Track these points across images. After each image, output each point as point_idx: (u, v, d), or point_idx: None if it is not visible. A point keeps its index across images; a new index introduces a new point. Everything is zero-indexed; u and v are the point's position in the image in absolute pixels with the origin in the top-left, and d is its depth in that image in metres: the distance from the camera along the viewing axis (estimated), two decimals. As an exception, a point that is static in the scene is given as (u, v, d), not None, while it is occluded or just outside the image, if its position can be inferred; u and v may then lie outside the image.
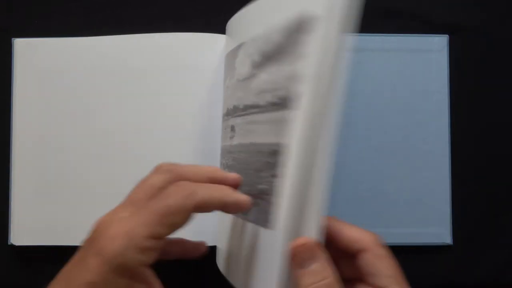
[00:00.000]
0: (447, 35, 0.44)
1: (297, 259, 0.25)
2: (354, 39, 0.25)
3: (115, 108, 0.42)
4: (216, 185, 0.26)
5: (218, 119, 0.42)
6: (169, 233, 0.24)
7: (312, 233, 0.25)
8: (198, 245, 0.34)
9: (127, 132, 0.42)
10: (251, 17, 0.35)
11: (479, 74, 0.45)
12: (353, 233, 0.28)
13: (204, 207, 0.25)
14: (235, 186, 0.28)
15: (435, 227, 0.43)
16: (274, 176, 0.27)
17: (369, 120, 0.43)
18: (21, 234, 0.42)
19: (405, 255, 0.43)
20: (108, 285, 0.22)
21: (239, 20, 0.38)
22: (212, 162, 0.42)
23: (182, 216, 0.24)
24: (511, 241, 0.44)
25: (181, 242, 0.33)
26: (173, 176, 0.26)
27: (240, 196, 0.26)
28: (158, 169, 0.27)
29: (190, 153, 0.42)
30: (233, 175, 0.28)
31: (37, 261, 0.43)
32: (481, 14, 0.45)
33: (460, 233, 0.43)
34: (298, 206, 0.25)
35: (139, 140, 0.42)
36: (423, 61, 0.43)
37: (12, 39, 0.43)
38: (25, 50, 0.43)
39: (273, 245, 0.26)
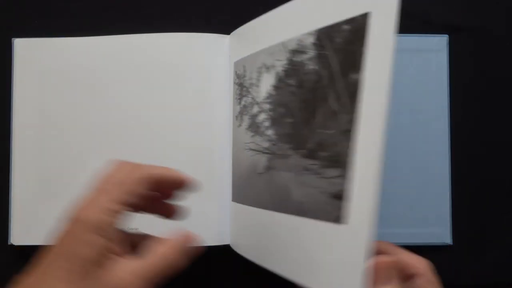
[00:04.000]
0: (447, 35, 0.44)
1: (377, 274, 0.27)
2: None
3: (114, 107, 0.42)
4: (165, 166, 0.31)
5: (219, 118, 0.42)
6: (130, 199, 0.28)
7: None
8: (173, 206, 0.34)
9: (127, 131, 0.42)
10: (277, 22, 0.36)
11: (479, 74, 0.45)
12: (410, 259, 0.30)
13: (153, 178, 0.29)
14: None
15: (435, 227, 0.43)
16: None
17: (369, 120, 0.43)
18: (21, 234, 0.42)
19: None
20: (84, 242, 0.26)
21: (257, 25, 0.38)
22: (212, 160, 0.42)
23: (136, 184, 0.28)
24: (511, 241, 0.44)
25: (154, 197, 0.33)
26: (130, 166, 0.30)
27: (185, 175, 0.31)
28: (115, 165, 0.31)
29: (190, 152, 0.42)
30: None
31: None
32: (481, 14, 0.45)
33: (460, 233, 0.43)
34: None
35: (139, 140, 0.42)
36: (423, 61, 0.43)
37: (12, 39, 0.43)
38: (25, 50, 0.43)
39: (347, 240, 0.28)
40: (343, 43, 0.30)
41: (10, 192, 0.42)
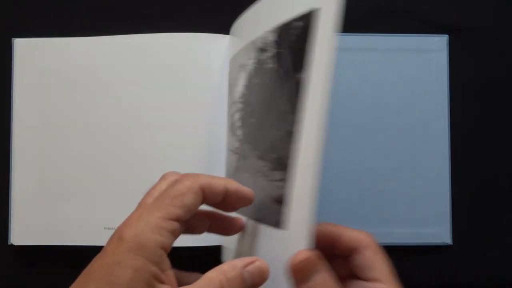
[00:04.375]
0: (447, 35, 0.44)
1: (299, 274, 0.24)
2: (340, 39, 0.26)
3: (114, 107, 0.42)
4: (220, 176, 0.27)
5: (219, 118, 0.42)
6: (183, 214, 0.24)
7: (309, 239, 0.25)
8: (232, 220, 0.31)
9: (127, 131, 0.42)
10: (252, 19, 0.36)
11: (479, 74, 0.45)
12: (353, 234, 0.30)
13: (209, 190, 0.26)
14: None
15: (435, 227, 0.43)
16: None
17: (369, 120, 0.43)
18: (21, 234, 0.42)
19: (405, 255, 0.43)
20: (123, 265, 0.22)
21: (241, 23, 0.38)
22: (214, 162, 0.42)
23: (191, 197, 0.25)
24: (511, 241, 0.44)
25: (212, 215, 0.30)
26: (180, 176, 0.27)
27: (243, 186, 0.28)
28: (164, 177, 0.28)
29: (190, 152, 0.42)
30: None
31: (37, 261, 0.43)
32: (481, 14, 0.45)
33: (460, 233, 0.43)
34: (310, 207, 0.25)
35: (139, 140, 0.42)
36: (423, 61, 0.43)
37: (12, 39, 0.43)
38: (25, 50, 0.43)
39: (286, 246, 0.26)
40: (295, 40, 0.28)
41: (10, 192, 0.42)
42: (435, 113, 0.43)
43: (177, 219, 0.24)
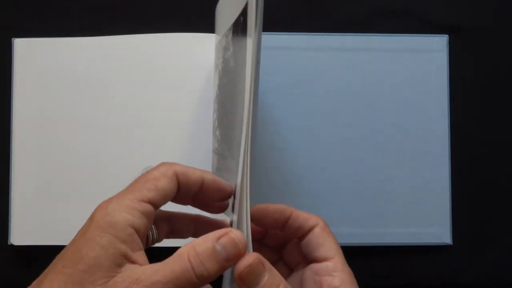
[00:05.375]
0: (447, 35, 0.44)
1: (247, 281, 0.24)
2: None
3: (114, 107, 0.42)
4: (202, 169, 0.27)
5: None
6: (157, 197, 0.24)
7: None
8: (217, 223, 0.30)
9: (127, 131, 0.42)
10: (219, 16, 0.35)
11: (479, 74, 0.45)
12: (305, 214, 0.30)
13: (184, 177, 0.26)
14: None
15: (435, 227, 0.43)
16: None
17: (369, 120, 0.43)
18: (21, 234, 0.42)
19: (405, 255, 0.43)
20: (91, 242, 0.22)
21: (215, 20, 0.38)
22: (210, 162, 0.42)
23: (165, 181, 0.25)
24: (511, 241, 0.44)
25: (197, 219, 0.30)
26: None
27: (220, 179, 0.27)
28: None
29: (189, 151, 0.42)
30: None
31: (37, 261, 0.43)
32: (481, 14, 0.45)
33: (460, 233, 0.43)
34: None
35: (139, 139, 0.42)
36: (423, 61, 0.43)
37: (12, 39, 0.43)
38: (25, 50, 0.43)
39: None
40: (241, 37, 0.27)
41: (10, 192, 0.42)
42: (435, 113, 0.43)
43: (149, 201, 0.24)
